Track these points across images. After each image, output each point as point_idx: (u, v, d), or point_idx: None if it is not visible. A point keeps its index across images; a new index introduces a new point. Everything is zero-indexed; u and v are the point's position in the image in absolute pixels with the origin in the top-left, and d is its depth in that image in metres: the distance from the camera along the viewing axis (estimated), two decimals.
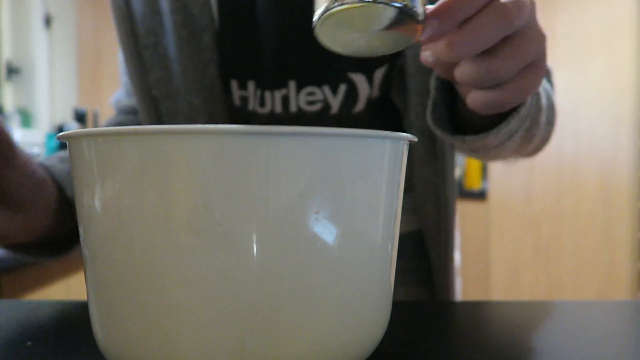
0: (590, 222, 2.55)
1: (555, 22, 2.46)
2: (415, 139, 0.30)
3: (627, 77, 2.48)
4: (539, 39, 0.37)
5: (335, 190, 0.25)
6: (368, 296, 0.28)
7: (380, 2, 0.30)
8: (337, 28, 0.33)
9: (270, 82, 0.59)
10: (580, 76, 2.51)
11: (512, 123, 0.44)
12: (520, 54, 0.36)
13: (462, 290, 0.72)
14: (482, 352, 0.36)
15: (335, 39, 0.34)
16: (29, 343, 0.38)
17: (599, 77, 2.51)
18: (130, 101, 0.68)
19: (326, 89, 0.58)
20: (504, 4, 0.33)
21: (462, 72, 0.37)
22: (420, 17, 0.32)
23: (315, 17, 0.32)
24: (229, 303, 0.24)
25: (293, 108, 0.59)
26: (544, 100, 0.50)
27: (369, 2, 0.30)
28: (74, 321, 0.45)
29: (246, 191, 0.24)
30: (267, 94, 0.59)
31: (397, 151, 0.28)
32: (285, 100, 0.59)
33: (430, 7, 0.33)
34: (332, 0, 0.31)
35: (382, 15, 0.32)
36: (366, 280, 0.28)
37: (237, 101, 0.60)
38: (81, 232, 0.28)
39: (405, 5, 0.31)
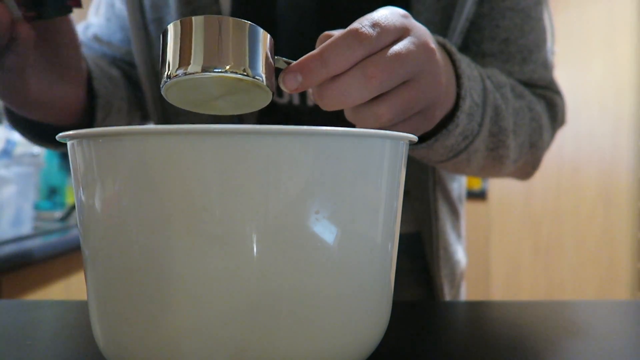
0: (590, 222, 2.55)
1: (555, 22, 2.46)
2: (416, 139, 0.30)
3: (627, 77, 2.48)
4: (430, 89, 0.35)
5: (335, 190, 0.25)
6: (368, 296, 0.28)
7: (217, 72, 0.30)
8: (186, 91, 0.33)
9: None
10: (580, 76, 2.51)
11: (442, 140, 0.44)
12: (405, 105, 0.34)
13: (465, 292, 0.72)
14: (482, 352, 0.36)
15: (186, 100, 0.34)
16: (29, 343, 0.38)
17: (599, 77, 2.51)
18: (108, 38, 0.68)
19: None
20: (373, 66, 0.32)
21: (346, 114, 0.36)
22: (264, 82, 0.32)
23: (162, 83, 0.32)
24: (229, 303, 0.24)
25: (309, 101, 0.58)
26: (508, 122, 0.50)
27: (209, 73, 0.30)
28: (74, 321, 0.45)
29: (246, 191, 0.24)
30: None
31: (397, 151, 0.28)
32: (303, 92, 0.59)
33: (292, 63, 0.33)
34: (174, 67, 0.31)
35: (225, 82, 0.32)
36: (366, 280, 0.28)
37: None
38: (81, 231, 0.28)
39: (244, 73, 0.31)
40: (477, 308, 0.49)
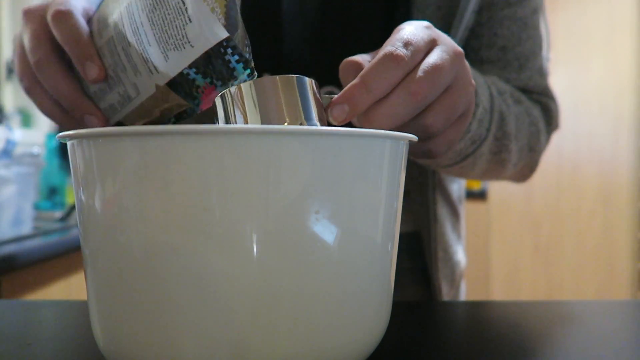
0: (590, 222, 2.55)
1: (555, 22, 2.46)
2: (416, 139, 0.30)
3: (627, 77, 2.48)
4: (467, 91, 0.37)
5: (335, 190, 0.25)
6: (368, 296, 0.28)
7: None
8: None
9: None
10: (580, 76, 2.51)
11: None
12: (449, 111, 0.36)
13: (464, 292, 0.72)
14: (482, 352, 0.36)
15: None
16: (29, 343, 0.38)
17: (599, 77, 2.51)
18: None
19: None
20: (415, 83, 0.33)
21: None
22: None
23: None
24: (229, 303, 0.24)
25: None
26: (511, 127, 0.51)
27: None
28: (74, 321, 0.45)
29: (246, 191, 0.24)
30: None
31: (397, 151, 0.28)
32: None
33: (335, 95, 0.33)
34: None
35: None
36: (366, 280, 0.28)
37: None
38: (81, 232, 0.28)
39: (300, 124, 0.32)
40: (477, 308, 0.49)
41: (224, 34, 0.34)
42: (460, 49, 0.36)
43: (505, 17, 0.57)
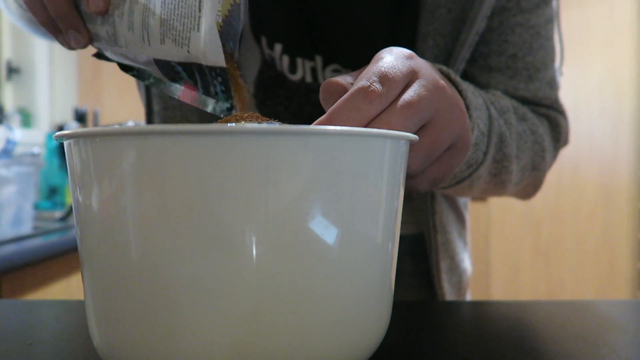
0: (590, 222, 2.55)
1: None
2: (416, 138, 0.30)
3: (627, 77, 2.48)
4: (451, 125, 0.35)
5: (335, 190, 0.25)
6: (368, 296, 0.28)
7: None
8: None
9: (299, 50, 0.58)
10: (580, 76, 2.51)
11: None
12: (428, 148, 0.34)
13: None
14: (482, 352, 0.36)
15: None
16: (29, 343, 0.38)
17: (599, 77, 2.51)
18: None
19: (350, 71, 0.57)
20: (386, 124, 0.31)
21: None
22: None
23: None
24: (229, 303, 0.24)
25: (321, 80, 0.58)
26: (512, 148, 0.50)
27: None
28: (74, 321, 0.45)
29: (246, 191, 0.24)
30: (299, 61, 0.58)
31: (397, 150, 0.28)
32: (314, 71, 0.58)
33: None
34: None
35: None
36: (366, 280, 0.28)
37: (267, 57, 0.59)
38: (78, 232, 0.28)
39: None
40: (477, 308, 0.49)
41: (221, 63, 0.34)
42: (442, 83, 0.35)
43: (517, 23, 0.55)
